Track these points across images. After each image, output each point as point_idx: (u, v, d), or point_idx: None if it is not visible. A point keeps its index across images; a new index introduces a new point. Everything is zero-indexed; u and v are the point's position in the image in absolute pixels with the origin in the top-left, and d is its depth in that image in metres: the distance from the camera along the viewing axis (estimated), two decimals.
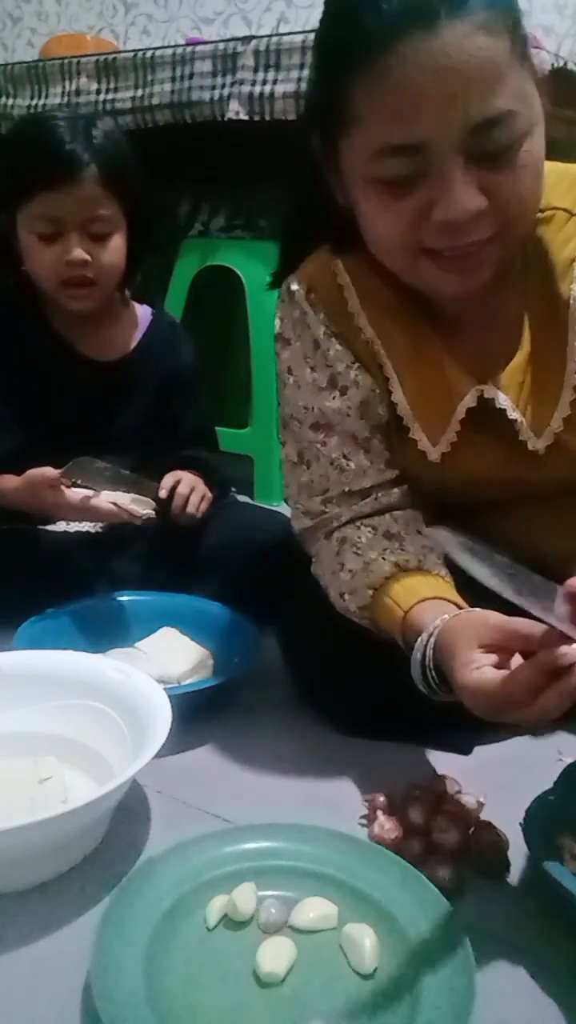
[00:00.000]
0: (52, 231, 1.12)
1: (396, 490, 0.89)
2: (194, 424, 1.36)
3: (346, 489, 0.88)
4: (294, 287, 0.90)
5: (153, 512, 1.14)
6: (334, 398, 0.88)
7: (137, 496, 1.13)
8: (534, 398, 0.83)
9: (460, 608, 0.76)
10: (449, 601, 0.78)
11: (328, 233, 0.87)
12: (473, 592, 0.79)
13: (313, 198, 0.83)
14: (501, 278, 0.81)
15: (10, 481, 1.15)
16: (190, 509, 1.20)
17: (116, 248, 1.17)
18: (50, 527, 1.25)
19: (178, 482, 1.21)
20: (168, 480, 1.21)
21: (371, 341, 0.87)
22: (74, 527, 1.26)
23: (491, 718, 0.65)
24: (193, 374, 1.36)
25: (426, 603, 0.77)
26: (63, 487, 1.10)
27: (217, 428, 1.45)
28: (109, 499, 1.11)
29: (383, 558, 0.83)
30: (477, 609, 0.72)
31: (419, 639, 0.74)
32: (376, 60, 0.67)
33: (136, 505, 1.12)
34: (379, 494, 0.88)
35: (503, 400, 0.82)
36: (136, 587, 1.22)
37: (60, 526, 1.25)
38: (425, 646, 0.72)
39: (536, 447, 0.83)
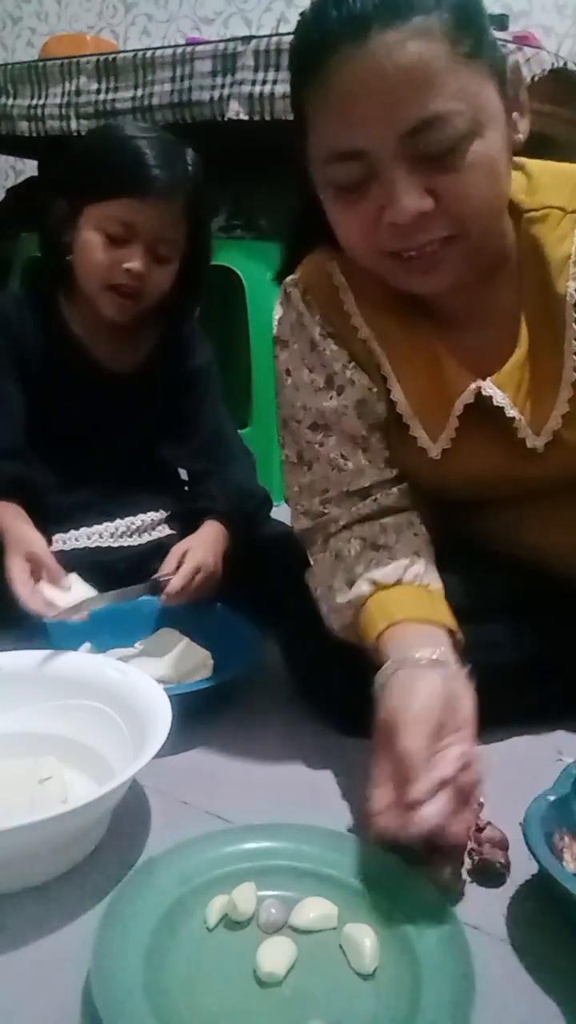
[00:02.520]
0: (122, 235, 1.12)
1: (395, 490, 0.89)
2: (210, 428, 1.33)
3: (345, 489, 0.89)
4: (291, 289, 0.91)
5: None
6: (331, 398, 0.89)
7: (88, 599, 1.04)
8: (532, 395, 0.83)
9: (429, 620, 0.78)
10: (421, 621, 0.78)
11: (326, 233, 0.88)
12: (468, 598, 0.80)
13: (311, 200, 0.83)
14: (494, 275, 0.82)
15: (8, 523, 1.09)
16: (183, 598, 1.11)
17: (169, 274, 1.18)
18: (67, 546, 1.23)
19: (180, 564, 1.11)
20: (171, 561, 1.12)
21: (368, 340, 0.88)
22: (71, 545, 1.24)
23: None
24: (208, 374, 1.34)
25: (384, 635, 0.78)
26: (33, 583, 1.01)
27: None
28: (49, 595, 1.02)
29: (364, 576, 0.83)
30: (414, 682, 0.71)
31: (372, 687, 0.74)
32: (317, 71, 0.70)
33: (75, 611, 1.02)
34: (378, 494, 0.89)
35: (500, 397, 0.82)
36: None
37: (57, 545, 1.22)
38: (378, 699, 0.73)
39: (535, 444, 0.83)
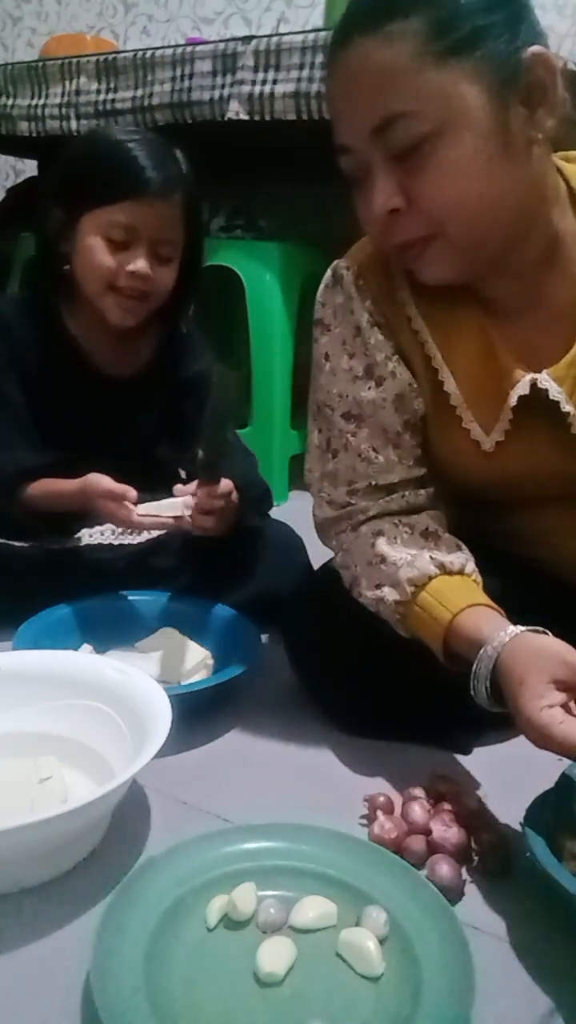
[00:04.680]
0: (124, 239, 1.13)
1: (423, 491, 0.89)
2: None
3: (373, 483, 0.88)
4: (342, 272, 0.89)
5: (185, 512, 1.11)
6: (369, 388, 0.88)
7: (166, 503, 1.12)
8: None
9: (503, 616, 0.78)
10: (495, 610, 0.79)
11: None
12: (496, 601, 0.80)
13: None
14: (550, 266, 0.80)
15: (65, 485, 1.15)
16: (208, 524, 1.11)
17: (172, 274, 1.19)
18: (68, 544, 1.23)
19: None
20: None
21: (420, 331, 0.86)
22: (71, 544, 1.24)
23: (539, 747, 0.69)
24: (208, 379, 1.34)
25: (476, 609, 0.78)
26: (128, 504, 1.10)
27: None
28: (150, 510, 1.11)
29: (431, 556, 0.83)
30: (547, 635, 0.74)
31: (483, 649, 0.74)
32: (328, 73, 0.78)
33: (170, 510, 1.11)
34: (406, 492, 0.88)
35: (556, 391, 0.80)
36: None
37: (83, 539, 1.23)
38: (490, 659, 0.73)
39: None
